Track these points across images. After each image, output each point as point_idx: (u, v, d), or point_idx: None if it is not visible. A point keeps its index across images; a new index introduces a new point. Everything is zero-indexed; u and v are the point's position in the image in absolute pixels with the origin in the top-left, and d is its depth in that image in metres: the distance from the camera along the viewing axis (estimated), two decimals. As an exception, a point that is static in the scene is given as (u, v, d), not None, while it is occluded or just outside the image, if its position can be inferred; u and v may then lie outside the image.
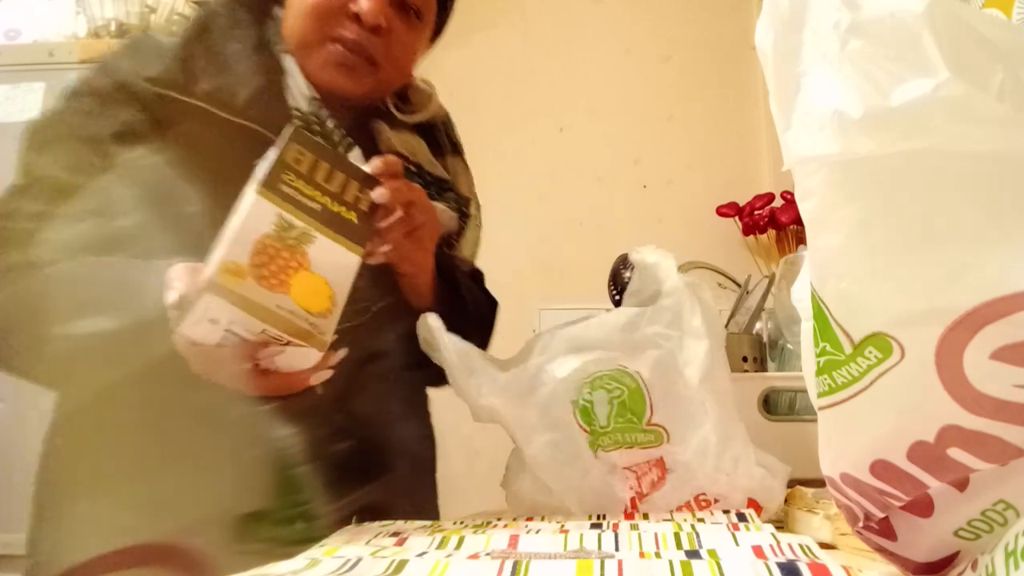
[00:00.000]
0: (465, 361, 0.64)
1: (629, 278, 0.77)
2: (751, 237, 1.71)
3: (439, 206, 0.79)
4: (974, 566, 0.32)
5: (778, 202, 1.65)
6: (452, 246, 0.86)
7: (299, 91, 0.75)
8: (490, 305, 0.90)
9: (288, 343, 0.56)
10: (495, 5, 1.98)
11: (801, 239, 1.57)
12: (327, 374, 0.59)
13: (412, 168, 0.81)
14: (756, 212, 1.66)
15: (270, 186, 0.58)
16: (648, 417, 0.61)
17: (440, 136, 0.91)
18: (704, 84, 1.92)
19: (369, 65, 0.74)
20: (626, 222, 1.85)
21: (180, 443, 0.66)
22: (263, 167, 0.59)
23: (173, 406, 0.66)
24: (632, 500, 0.61)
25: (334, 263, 0.60)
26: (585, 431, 0.62)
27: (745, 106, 1.88)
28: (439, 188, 0.83)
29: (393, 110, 0.84)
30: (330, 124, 0.75)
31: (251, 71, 0.73)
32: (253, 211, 0.57)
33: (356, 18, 0.72)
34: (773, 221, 1.62)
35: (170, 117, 0.69)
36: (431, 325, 0.66)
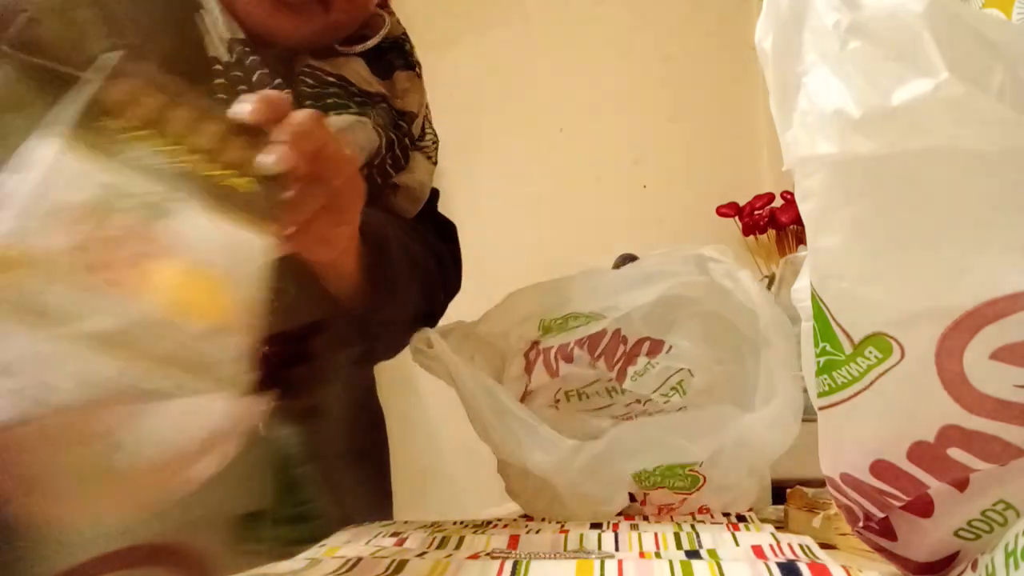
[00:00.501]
0: (493, 402, 0.57)
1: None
2: (751, 237, 1.71)
3: (348, 118, 0.62)
4: (974, 566, 0.32)
5: (778, 202, 1.65)
6: (388, 177, 0.70)
7: (218, 33, 0.58)
8: (447, 240, 0.76)
9: (152, 394, 0.32)
10: (495, 5, 1.98)
11: (801, 239, 1.57)
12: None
13: (333, 82, 0.64)
14: (756, 212, 1.66)
15: (84, 133, 0.36)
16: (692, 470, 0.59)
17: (388, 56, 0.73)
18: (704, 84, 1.92)
19: (318, 3, 0.59)
20: (626, 222, 1.85)
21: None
22: (70, 107, 0.37)
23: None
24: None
25: (219, 249, 0.38)
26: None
27: (745, 106, 1.88)
28: (367, 102, 0.66)
29: (336, 46, 0.67)
30: (257, 77, 0.58)
31: (159, 16, 0.57)
32: (56, 168, 0.34)
33: None
34: (773, 221, 1.62)
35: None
36: (437, 351, 0.58)
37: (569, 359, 0.69)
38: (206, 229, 0.36)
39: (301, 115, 0.43)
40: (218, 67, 0.58)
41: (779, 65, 0.31)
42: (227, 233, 0.37)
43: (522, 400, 0.70)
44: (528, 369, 0.70)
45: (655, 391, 0.68)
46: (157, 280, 0.34)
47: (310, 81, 0.64)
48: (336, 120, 0.62)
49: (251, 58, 0.59)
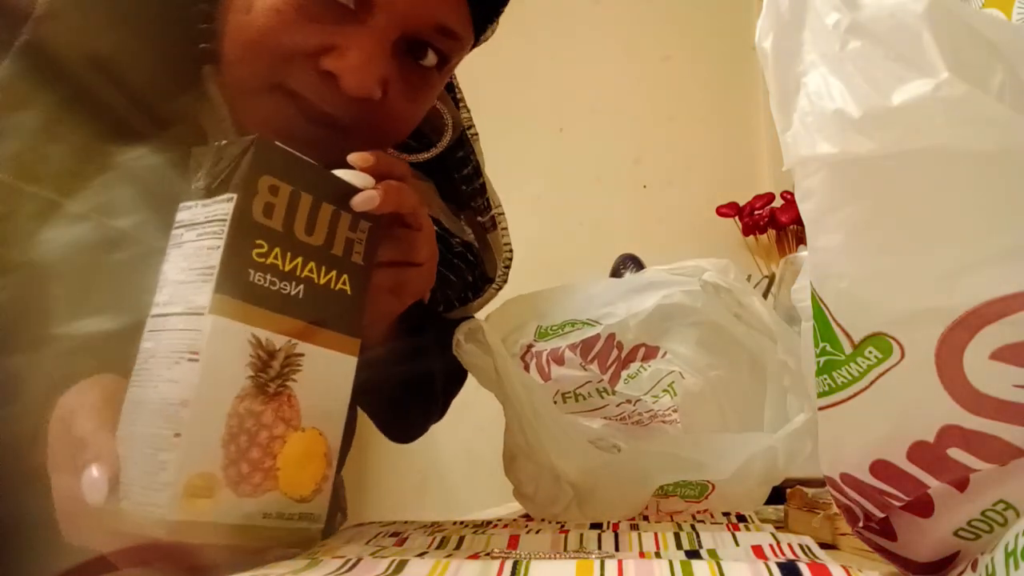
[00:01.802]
0: (535, 402, 0.56)
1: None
2: (751, 237, 1.71)
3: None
4: (974, 566, 0.32)
5: (778, 202, 1.65)
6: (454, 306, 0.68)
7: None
8: (455, 379, 0.71)
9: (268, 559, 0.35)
10: (495, 5, 1.98)
11: (801, 239, 1.57)
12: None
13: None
14: (756, 212, 1.66)
15: (233, 287, 0.33)
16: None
17: (456, 167, 0.63)
18: (704, 84, 1.92)
19: (339, 134, 0.47)
20: (626, 222, 1.85)
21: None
22: (208, 239, 0.34)
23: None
24: None
25: (329, 387, 0.38)
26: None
27: (745, 106, 1.88)
28: (453, 263, 0.61)
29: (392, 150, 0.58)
30: None
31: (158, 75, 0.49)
32: (216, 348, 0.32)
33: (328, 77, 0.45)
34: (773, 221, 1.62)
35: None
36: (490, 342, 0.56)
37: (560, 362, 0.70)
38: (319, 368, 0.36)
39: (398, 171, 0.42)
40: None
41: (779, 65, 0.31)
42: (332, 366, 0.37)
43: None
44: (525, 368, 0.71)
45: (646, 393, 0.69)
46: (285, 462, 0.35)
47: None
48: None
49: None
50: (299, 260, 0.36)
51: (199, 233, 0.35)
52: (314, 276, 0.36)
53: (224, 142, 0.36)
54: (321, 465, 0.38)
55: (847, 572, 0.29)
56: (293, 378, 0.35)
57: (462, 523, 0.55)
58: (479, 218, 0.67)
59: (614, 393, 0.69)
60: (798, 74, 0.30)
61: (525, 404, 0.56)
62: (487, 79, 1.94)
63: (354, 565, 0.35)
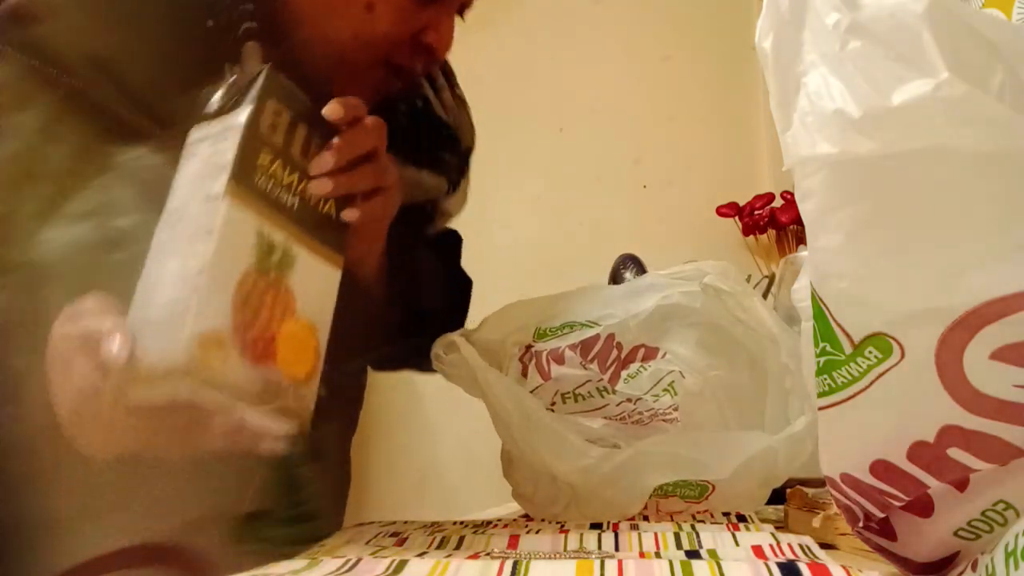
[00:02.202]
0: (521, 408, 0.56)
1: (629, 279, 0.77)
2: (751, 237, 1.71)
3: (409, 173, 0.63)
4: (974, 566, 0.32)
5: (778, 202, 1.65)
6: (436, 206, 0.72)
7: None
8: (460, 289, 0.76)
9: (262, 429, 0.40)
10: (495, 5, 1.98)
11: (801, 239, 1.57)
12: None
13: (420, 111, 0.66)
14: (756, 212, 1.66)
15: (244, 180, 0.39)
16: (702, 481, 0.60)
17: (434, 71, 0.72)
18: (704, 84, 1.92)
19: (383, 67, 0.59)
20: (626, 222, 1.85)
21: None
22: (224, 143, 0.40)
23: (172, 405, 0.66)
24: None
25: (318, 291, 0.43)
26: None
27: (745, 106, 1.88)
28: (440, 137, 0.69)
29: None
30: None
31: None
32: (229, 229, 0.38)
33: (428, 49, 0.58)
34: (773, 221, 1.62)
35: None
36: (466, 356, 0.57)
37: (560, 361, 0.70)
38: (311, 273, 0.42)
39: (371, 120, 0.48)
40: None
41: (779, 65, 0.31)
42: (321, 274, 0.43)
43: None
44: (524, 372, 0.71)
45: (647, 392, 0.69)
46: (282, 342, 0.40)
47: (404, 110, 0.65)
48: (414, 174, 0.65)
49: None
50: (295, 177, 0.42)
51: (213, 142, 0.41)
52: (306, 194, 0.43)
53: (233, 77, 0.43)
54: (312, 356, 0.42)
55: (847, 572, 0.29)
56: (289, 273, 0.40)
57: (462, 523, 0.55)
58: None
59: (614, 392, 0.69)
60: (798, 74, 0.30)
61: (512, 412, 0.56)
62: (487, 79, 1.94)
63: (354, 565, 0.35)
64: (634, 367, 0.70)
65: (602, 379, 0.70)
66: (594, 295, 0.71)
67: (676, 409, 0.69)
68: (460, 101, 0.78)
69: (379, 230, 0.55)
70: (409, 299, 0.63)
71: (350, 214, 0.46)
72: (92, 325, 0.41)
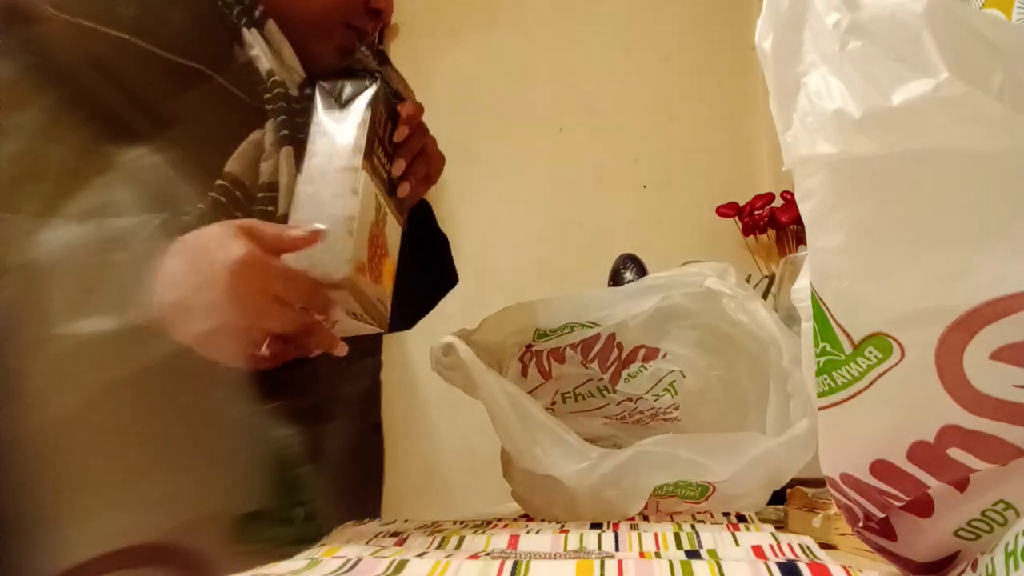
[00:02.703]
0: (519, 409, 0.57)
1: (629, 279, 0.77)
2: (751, 237, 1.71)
3: None
4: (974, 566, 0.32)
5: (778, 202, 1.65)
6: None
7: (276, 71, 0.67)
8: (445, 248, 0.86)
9: (370, 326, 0.58)
10: (495, 5, 1.98)
11: (801, 239, 1.57)
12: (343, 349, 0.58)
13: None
14: (756, 212, 1.66)
15: (368, 158, 0.57)
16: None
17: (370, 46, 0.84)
18: (704, 84, 1.92)
19: (345, 27, 0.73)
20: (626, 222, 1.85)
21: (180, 443, 0.66)
22: (352, 131, 0.58)
23: (173, 405, 0.66)
24: None
25: (394, 239, 0.62)
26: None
27: (745, 106, 1.88)
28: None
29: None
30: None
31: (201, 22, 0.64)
32: (364, 191, 0.56)
33: (375, 13, 0.72)
34: (773, 221, 1.62)
35: (87, 53, 0.57)
36: (463, 358, 0.58)
37: (561, 359, 0.70)
38: (392, 229, 0.61)
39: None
40: (281, 89, 0.67)
41: (779, 65, 0.31)
42: (395, 230, 0.62)
43: None
44: (524, 372, 0.71)
45: (647, 392, 0.69)
46: (385, 272, 0.59)
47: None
48: None
49: (307, 91, 0.68)
50: (385, 158, 0.61)
51: (344, 126, 0.58)
52: (388, 169, 0.61)
53: (345, 81, 0.61)
54: (392, 281, 0.61)
55: (847, 572, 0.29)
56: (385, 226, 0.59)
57: (462, 523, 0.55)
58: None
59: (615, 391, 0.69)
60: (798, 74, 0.30)
61: (510, 413, 0.56)
62: (487, 79, 1.94)
63: (354, 565, 0.35)
64: (634, 367, 0.70)
65: (603, 378, 0.70)
66: (594, 296, 0.71)
67: (677, 408, 0.69)
68: (387, 62, 0.90)
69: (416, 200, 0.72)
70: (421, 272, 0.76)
71: (403, 189, 0.64)
72: (263, 230, 0.53)
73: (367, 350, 0.75)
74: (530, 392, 0.71)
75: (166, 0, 0.63)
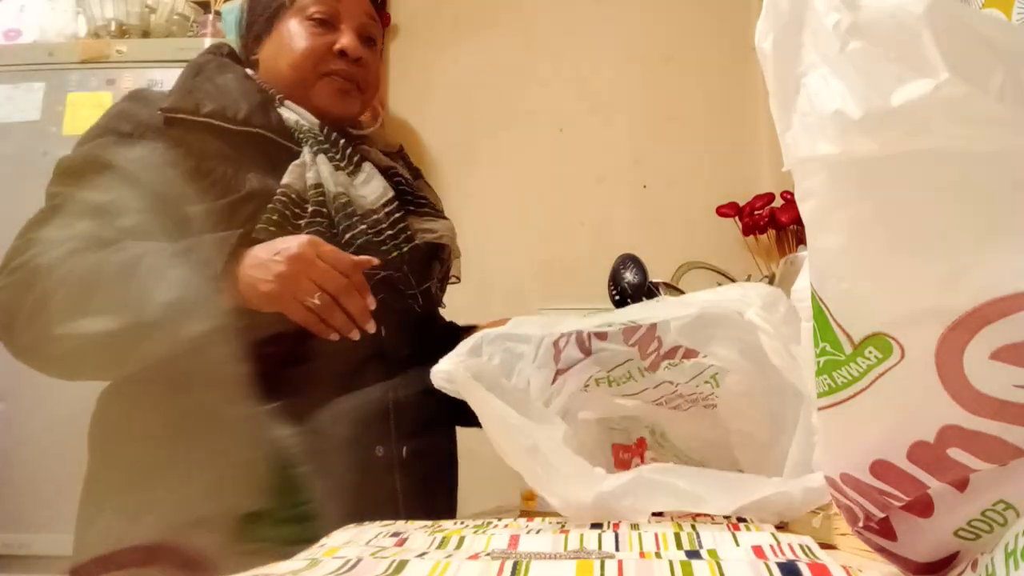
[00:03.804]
0: (515, 432, 0.56)
1: (629, 279, 0.76)
2: (751, 237, 1.71)
3: (444, 223, 0.95)
4: (974, 566, 0.32)
5: (778, 202, 1.65)
6: (448, 270, 0.97)
7: (305, 123, 0.87)
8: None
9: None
10: (495, 5, 1.98)
11: (801, 239, 1.57)
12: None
13: (404, 184, 0.94)
14: (756, 212, 1.66)
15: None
16: None
17: (408, 161, 1.03)
18: (704, 84, 1.92)
19: (357, 90, 0.92)
20: (626, 222, 1.85)
21: (180, 444, 0.66)
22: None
23: (173, 407, 0.66)
24: None
25: None
26: None
27: (745, 106, 1.88)
28: (430, 204, 0.96)
29: (369, 145, 0.97)
30: (342, 142, 0.88)
31: (247, 93, 0.85)
32: None
33: (342, 54, 0.89)
34: (773, 221, 1.62)
35: (182, 135, 0.78)
36: (461, 385, 0.58)
37: (603, 337, 0.69)
38: None
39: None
40: (331, 152, 0.87)
41: (779, 65, 0.31)
42: None
43: (552, 382, 0.70)
44: (556, 357, 0.70)
45: (689, 381, 0.67)
46: None
47: (403, 181, 0.95)
48: (450, 225, 0.96)
49: (333, 133, 0.89)
50: None
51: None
52: None
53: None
54: None
55: (847, 572, 0.29)
56: None
57: (462, 523, 0.55)
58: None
59: (655, 374, 0.68)
60: (798, 74, 0.30)
61: (512, 443, 0.56)
62: (487, 79, 1.94)
63: (354, 565, 0.35)
64: (675, 360, 0.68)
65: (643, 362, 0.68)
66: (633, 308, 0.70)
67: (717, 398, 0.68)
68: (426, 182, 1.05)
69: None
70: None
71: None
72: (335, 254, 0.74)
73: None
74: (559, 374, 0.70)
75: (253, 105, 0.85)
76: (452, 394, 0.59)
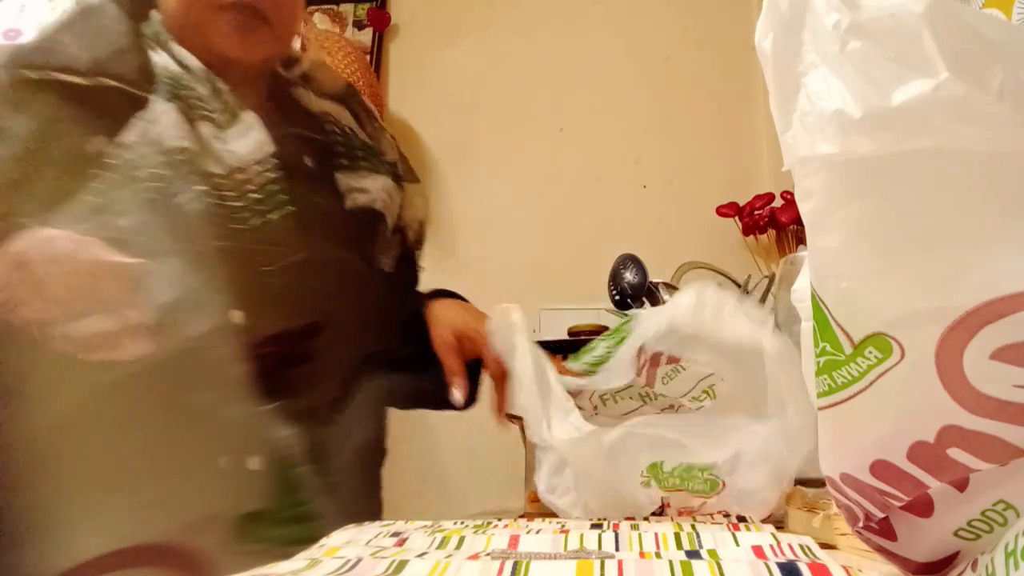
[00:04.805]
0: (541, 380, 0.60)
1: (629, 279, 0.77)
2: (751, 237, 1.70)
3: (379, 182, 0.82)
4: (974, 566, 0.32)
5: (778, 202, 1.65)
6: (401, 220, 0.86)
7: (176, 68, 0.73)
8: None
9: None
10: (495, 5, 1.98)
11: (801, 239, 1.57)
12: None
13: (338, 133, 0.82)
14: (756, 212, 1.66)
15: None
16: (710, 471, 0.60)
17: (355, 105, 0.88)
18: (704, 84, 1.92)
19: (264, 24, 0.76)
20: (626, 222, 1.85)
21: (180, 443, 0.66)
22: None
23: (173, 406, 0.66)
24: None
25: None
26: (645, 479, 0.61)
27: (745, 106, 1.88)
28: (368, 155, 0.83)
29: (304, 88, 0.84)
30: (221, 88, 0.73)
31: (112, 38, 0.72)
32: None
33: (231, 5, 0.73)
34: (773, 221, 1.62)
35: (28, 98, 0.66)
36: (515, 321, 0.62)
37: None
38: None
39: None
40: (195, 100, 0.71)
41: (779, 65, 0.31)
42: None
43: None
44: (562, 372, 0.71)
45: (686, 394, 0.69)
46: None
47: (336, 130, 0.82)
48: (386, 183, 0.83)
49: (214, 76, 0.73)
50: None
51: None
52: None
53: None
54: None
55: (847, 572, 0.29)
56: None
57: (462, 523, 0.55)
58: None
59: (656, 398, 0.69)
60: (798, 74, 0.30)
61: (532, 381, 0.59)
62: (487, 79, 1.94)
63: (354, 565, 0.35)
64: (666, 368, 0.69)
65: (643, 383, 0.69)
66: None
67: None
68: (379, 128, 0.91)
69: None
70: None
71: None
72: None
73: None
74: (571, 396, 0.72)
75: (112, 52, 0.71)
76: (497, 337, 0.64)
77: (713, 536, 0.42)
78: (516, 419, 0.73)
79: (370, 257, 0.82)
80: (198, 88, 0.72)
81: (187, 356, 0.62)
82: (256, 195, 0.70)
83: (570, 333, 1.42)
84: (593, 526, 0.49)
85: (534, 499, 0.85)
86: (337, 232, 0.76)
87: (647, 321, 0.68)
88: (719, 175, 1.85)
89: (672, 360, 0.69)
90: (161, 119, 0.68)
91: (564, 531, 0.45)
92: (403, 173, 0.88)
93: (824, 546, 0.41)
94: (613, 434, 0.57)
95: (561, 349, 0.79)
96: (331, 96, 0.85)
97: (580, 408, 0.70)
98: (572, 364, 0.71)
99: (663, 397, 0.69)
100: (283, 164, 0.73)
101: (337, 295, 0.75)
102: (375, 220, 0.81)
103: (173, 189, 0.66)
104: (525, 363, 0.60)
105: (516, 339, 0.61)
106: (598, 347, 0.70)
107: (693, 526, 0.47)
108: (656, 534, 0.43)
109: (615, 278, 1.18)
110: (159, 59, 0.73)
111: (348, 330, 0.74)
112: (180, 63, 0.73)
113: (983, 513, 0.31)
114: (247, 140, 0.72)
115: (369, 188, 0.80)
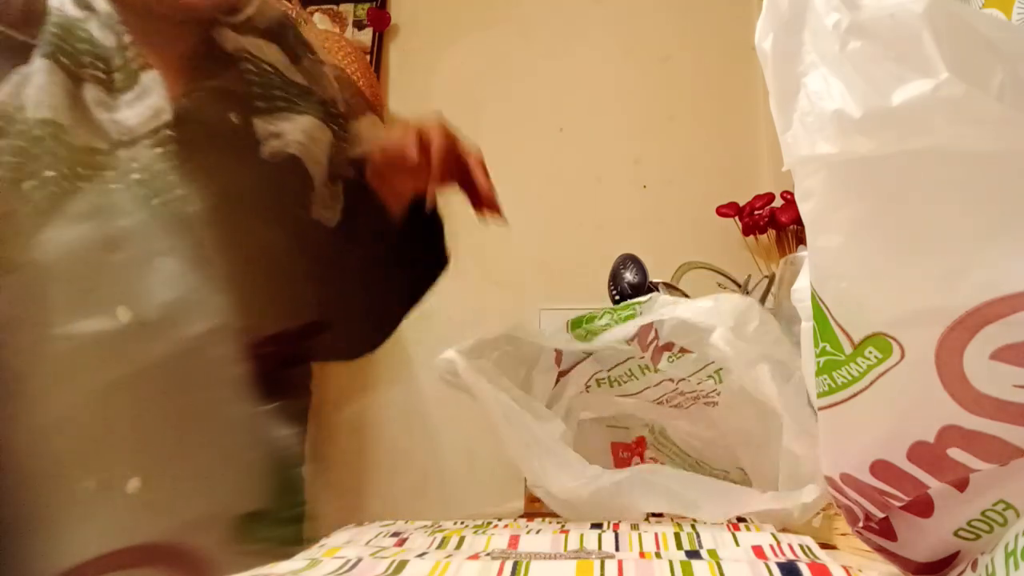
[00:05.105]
0: (516, 423, 0.56)
1: (629, 279, 0.77)
2: (751, 237, 1.70)
3: (298, 123, 0.70)
4: (974, 566, 0.32)
5: (778, 202, 1.65)
6: (338, 164, 0.77)
7: (70, 13, 0.62)
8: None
9: None
10: (495, 5, 1.98)
11: (801, 239, 1.57)
12: None
13: (254, 72, 0.70)
14: (756, 212, 1.66)
15: None
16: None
17: (290, 38, 0.77)
18: (704, 84, 1.92)
19: None
20: (626, 222, 1.85)
21: (180, 443, 0.66)
22: None
23: (173, 406, 0.66)
24: None
25: None
26: None
27: (745, 106, 1.87)
28: (291, 94, 0.73)
29: (225, 27, 0.72)
30: (126, 38, 0.63)
31: None
32: None
33: None
34: (773, 221, 1.62)
35: None
36: (463, 376, 0.58)
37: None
38: None
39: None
40: (87, 55, 0.61)
41: (779, 65, 0.31)
42: None
43: (555, 385, 0.70)
44: (558, 360, 0.70)
45: (693, 375, 0.67)
46: None
47: (253, 70, 0.71)
48: (306, 123, 0.71)
49: (118, 24, 0.62)
50: None
51: None
52: None
53: None
54: None
55: (847, 572, 0.29)
56: None
57: (462, 523, 0.55)
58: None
59: (656, 371, 0.67)
60: (798, 74, 0.30)
61: (505, 426, 0.56)
62: (487, 79, 1.94)
63: (354, 565, 0.35)
64: (675, 353, 0.68)
65: (643, 356, 0.68)
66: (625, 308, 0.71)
67: (719, 395, 0.67)
68: (316, 63, 0.78)
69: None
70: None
71: None
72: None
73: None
74: (561, 376, 0.71)
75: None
76: (453, 387, 0.59)
77: (713, 536, 0.42)
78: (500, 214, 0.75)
79: (303, 216, 0.71)
80: (96, 38, 0.61)
81: (187, 355, 0.62)
82: (139, 176, 0.60)
83: (570, 333, 1.42)
84: (593, 526, 0.49)
85: (534, 499, 0.85)
86: (257, 202, 0.66)
87: (664, 308, 0.67)
88: (719, 175, 1.85)
89: (685, 351, 0.67)
90: (32, 79, 0.58)
91: (564, 531, 0.45)
92: (347, 109, 0.78)
93: (824, 546, 0.41)
94: (618, 476, 0.55)
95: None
96: (260, 32, 0.73)
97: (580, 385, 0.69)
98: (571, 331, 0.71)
99: (662, 373, 0.68)
100: (194, 130, 0.63)
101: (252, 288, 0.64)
102: (296, 168, 0.70)
103: (19, 175, 0.57)
104: (496, 414, 0.56)
105: (476, 391, 0.57)
106: (602, 317, 0.69)
107: (693, 526, 0.47)
108: (656, 534, 0.43)
109: (615, 278, 1.18)
110: (60, 4, 0.62)
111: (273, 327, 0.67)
112: (84, 4, 0.63)
113: (983, 513, 0.31)
114: (139, 107, 0.61)
115: (284, 131, 0.68)
